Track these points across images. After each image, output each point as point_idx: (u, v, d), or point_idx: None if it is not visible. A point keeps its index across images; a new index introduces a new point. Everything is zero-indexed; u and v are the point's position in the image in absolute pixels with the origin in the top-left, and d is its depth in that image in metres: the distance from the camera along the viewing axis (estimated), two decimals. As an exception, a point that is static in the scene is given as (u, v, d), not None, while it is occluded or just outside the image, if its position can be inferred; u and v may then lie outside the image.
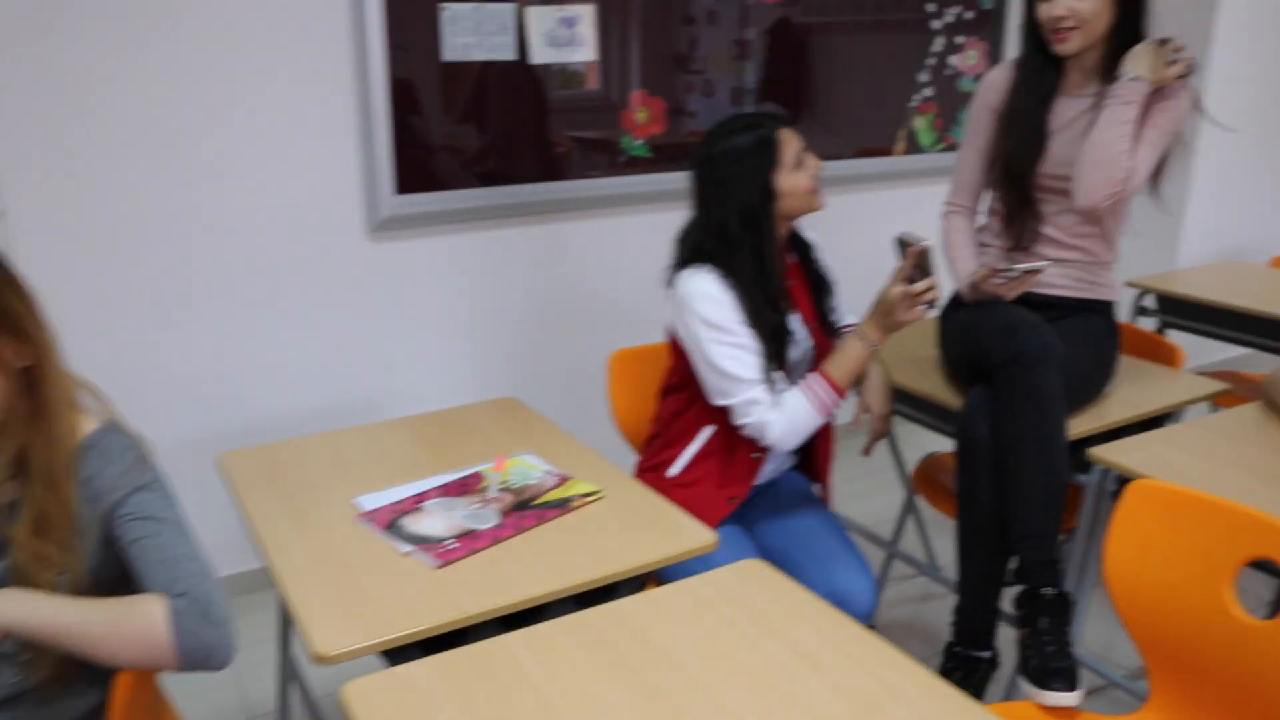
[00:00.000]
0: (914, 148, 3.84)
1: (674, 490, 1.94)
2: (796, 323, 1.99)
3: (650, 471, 2.06)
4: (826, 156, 3.65)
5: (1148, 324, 3.27)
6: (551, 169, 3.15)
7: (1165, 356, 2.38)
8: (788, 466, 2.16)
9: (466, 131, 2.97)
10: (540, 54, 3.02)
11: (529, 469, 1.76)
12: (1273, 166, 4.66)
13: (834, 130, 3.68)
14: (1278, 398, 2.03)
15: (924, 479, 2.54)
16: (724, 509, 1.95)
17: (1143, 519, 1.61)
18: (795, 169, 1.90)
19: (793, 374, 1.97)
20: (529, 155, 3.11)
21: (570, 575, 1.43)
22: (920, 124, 3.83)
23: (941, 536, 3.07)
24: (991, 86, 2.27)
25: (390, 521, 1.58)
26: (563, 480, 1.71)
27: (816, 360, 2.00)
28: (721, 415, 1.93)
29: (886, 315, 1.83)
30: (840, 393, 1.87)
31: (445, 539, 1.52)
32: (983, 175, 2.30)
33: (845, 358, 1.88)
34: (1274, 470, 1.77)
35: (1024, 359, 1.89)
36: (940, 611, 2.79)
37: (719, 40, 3.36)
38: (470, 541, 1.52)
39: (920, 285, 1.79)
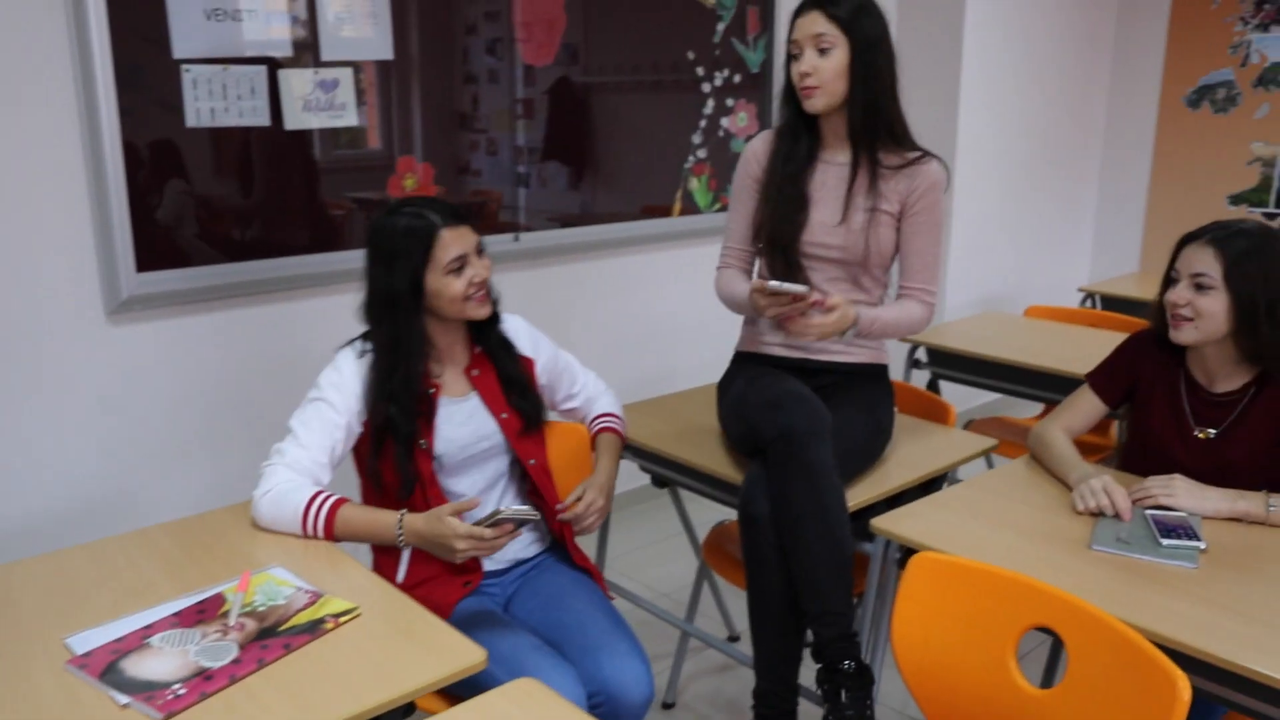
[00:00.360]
0: (691, 208, 3.86)
1: (412, 595, 1.78)
2: (471, 409, 1.94)
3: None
4: (612, 217, 3.64)
5: (921, 376, 3.37)
6: (323, 238, 2.96)
7: (938, 414, 2.43)
8: (547, 545, 2.06)
9: (221, 202, 2.75)
10: (296, 119, 2.83)
11: (278, 586, 1.57)
12: (1020, 221, 4.98)
13: (618, 190, 3.66)
14: (1041, 455, 2.09)
15: (714, 549, 2.48)
16: (460, 592, 1.83)
17: (926, 592, 1.58)
18: (450, 273, 1.84)
19: (472, 466, 1.94)
20: (296, 225, 2.91)
21: (318, 715, 1.26)
22: (696, 185, 3.86)
23: (740, 601, 3.03)
24: (753, 155, 2.27)
25: (107, 665, 1.36)
26: (315, 598, 1.53)
27: (510, 449, 1.97)
28: (421, 500, 1.84)
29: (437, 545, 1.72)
30: (329, 534, 1.75)
31: (172, 683, 1.32)
32: (751, 242, 2.30)
33: (370, 523, 1.76)
34: (1044, 529, 1.80)
35: (792, 434, 1.86)
36: (744, 680, 2.73)
37: (501, 99, 3.30)
38: (202, 684, 1.31)
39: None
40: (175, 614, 1.49)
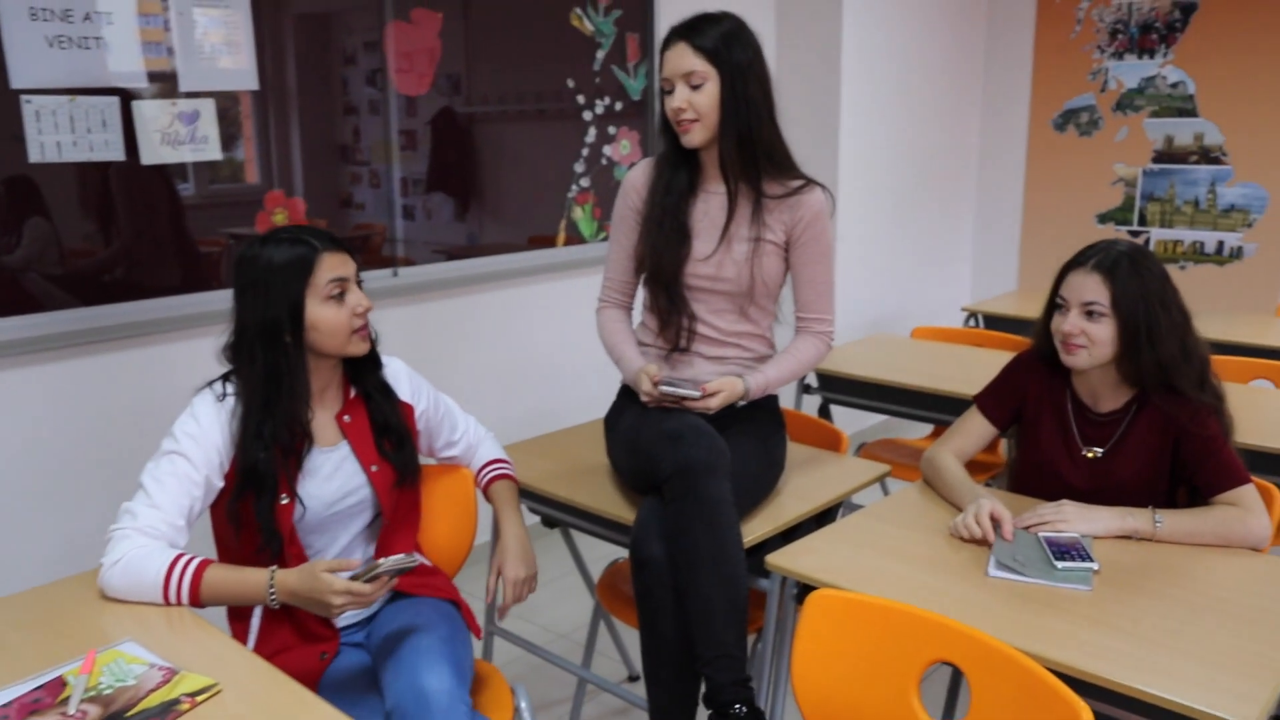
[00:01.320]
0: (576, 238, 3.80)
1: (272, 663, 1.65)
2: (339, 459, 1.81)
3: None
4: (499, 248, 3.56)
5: (812, 401, 3.36)
6: (196, 278, 2.81)
7: (830, 441, 2.40)
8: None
9: (74, 242, 2.57)
10: (154, 153, 2.67)
11: (128, 665, 1.42)
12: (904, 243, 5.06)
13: (504, 220, 3.58)
14: (934, 481, 2.07)
15: (608, 589, 2.40)
16: (318, 666, 1.71)
17: (824, 629, 1.53)
18: (330, 300, 1.72)
19: (336, 522, 1.81)
20: (162, 265, 2.75)
21: (171, 812, 1.13)
22: (580, 214, 3.80)
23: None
24: (632, 186, 2.22)
25: (-76, 769, 1.20)
26: (170, 675, 1.39)
27: (378, 504, 1.84)
28: (283, 557, 1.72)
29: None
30: (194, 600, 1.61)
31: (0, 785, 1.17)
32: (633, 274, 2.24)
33: (240, 584, 1.63)
34: (941, 557, 1.77)
35: (691, 469, 1.80)
36: (641, 723, 2.65)
37: (383, 130, 3.22)
38: (34, 784, 1.17)
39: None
40: (4, 705, 1.34)
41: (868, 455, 3.32)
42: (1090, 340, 1.89)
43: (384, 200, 3.26)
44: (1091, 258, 1.91)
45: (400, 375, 1.96)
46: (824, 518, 2.13)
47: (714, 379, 2.05)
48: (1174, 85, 4.98)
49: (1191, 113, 4.95)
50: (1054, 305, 1.97)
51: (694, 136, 2.05)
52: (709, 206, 2.13)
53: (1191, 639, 1.49)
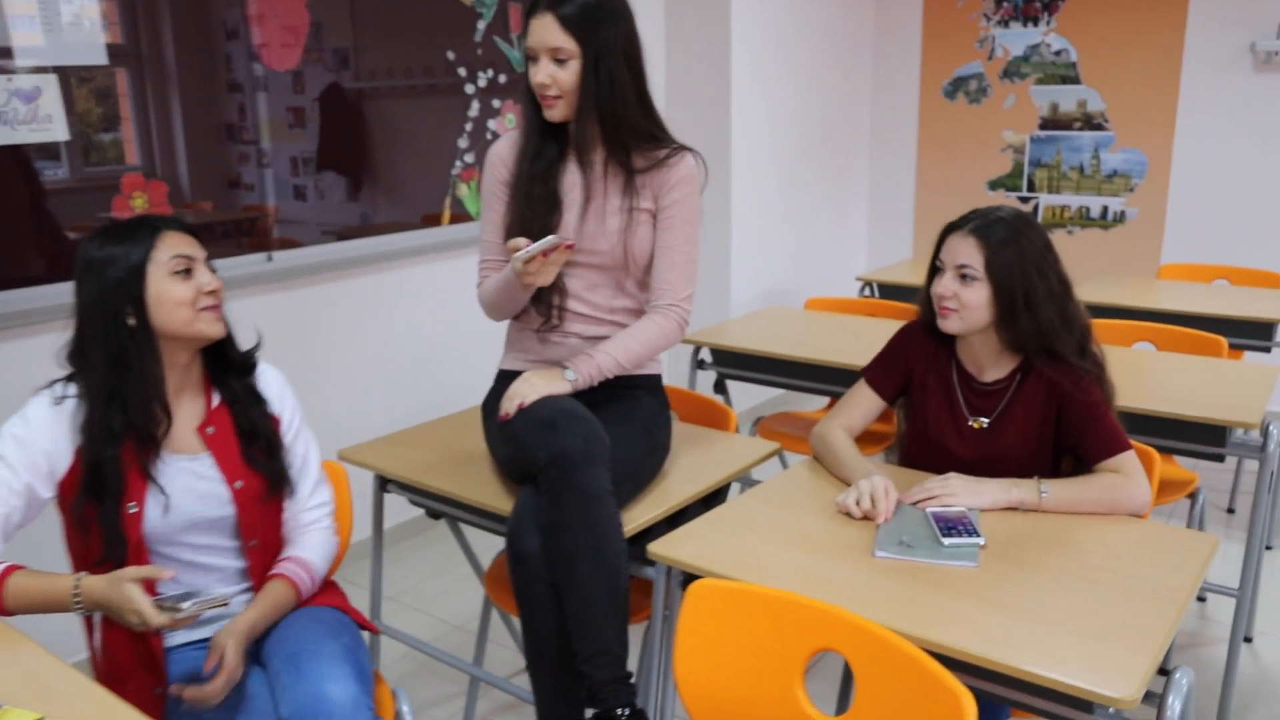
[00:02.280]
0: (462, 215, 3.67)
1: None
2: (200, 471, 1.67)
3: None
4: (393, 228, 3.42)
5: (706, 377, 3.31)
6: (63, 267, 2.63)
7: (719, 419, 2.34)
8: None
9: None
10: (-13, 134, 2.47)
11: (-59, 700, 1.29)
12: (799, 213, 5.04)
13: (396, 199, 3.45)
14: (823, 457, 2.03)
15: (498, 580, 2.30)
16: (156, 704, 1.58)
17: (706, 621, 1.47)
18: (174, 275, 1.60)
19: (192, 536, 1.66)
20: (21, 253, 2.56)
21: None
22: (465, 191, 3.67)
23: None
24: (498, 159, 2.11)
25: None
26: (-13, 711, 1.27)
27: (243, 521, 1.69)
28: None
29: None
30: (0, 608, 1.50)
31: None
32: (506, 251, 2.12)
33: (43, 590, 1.51)
34: (829, 538, 1.72)
35: (567, 458, 1.72)
36: (538, 716, 2.57)
37: (271, 108, 3.08)
38: None
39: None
40: None
41: (764, 430, 3.29)
42: (962, 304, 1.86)
43: (278, 180, 3.15)
44: (970, 221, 1.88)
45: (272, 384, 1.80)
46: (714, 499, 2.07)
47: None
48: (1057, 53, 5.04)
49: (1074, 80, 5.02)
50: (934, 270, 1.94)
51: (557, 112, 1.97)
52: (579, 177, 2.04)
53: (1075, 613, 1.47)
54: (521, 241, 1.85)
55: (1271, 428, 2.43)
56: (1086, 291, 3.83)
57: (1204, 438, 2.43)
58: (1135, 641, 1.39)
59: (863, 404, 2.08)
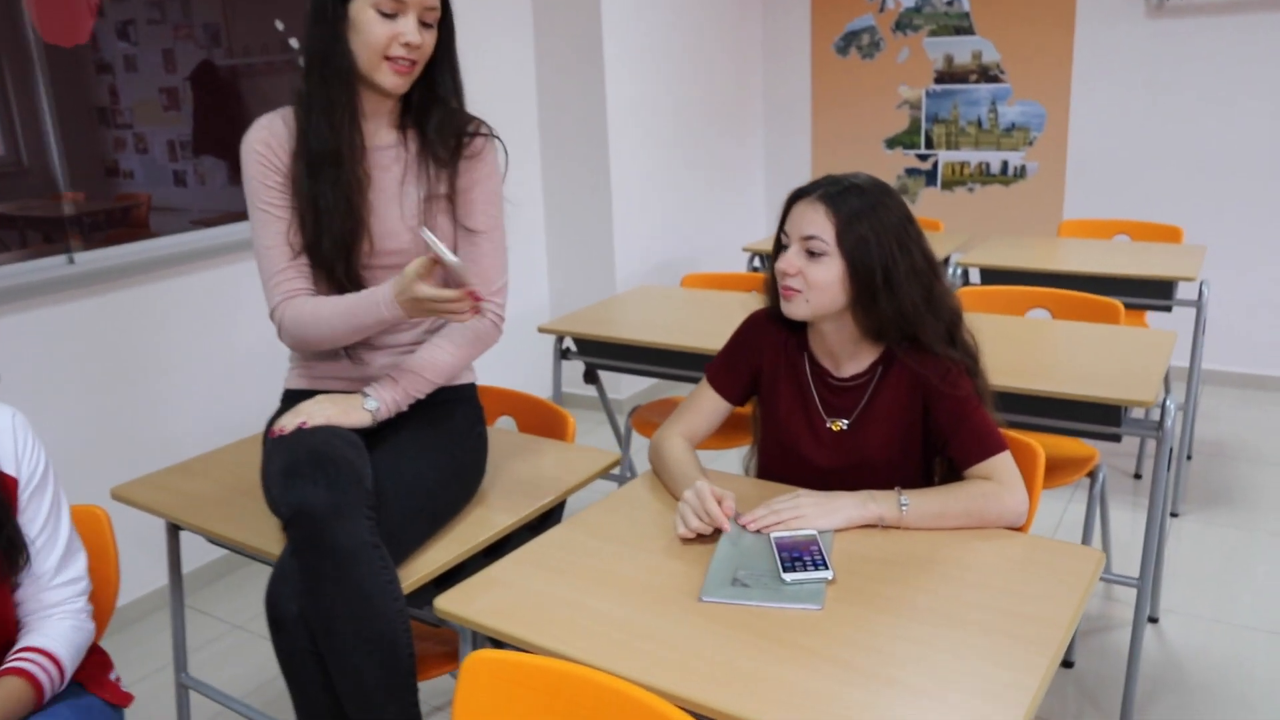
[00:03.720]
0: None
1: None
2: None
3: None
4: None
5: (573, 368, 3.02)
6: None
7: (557, 427, 2.05)
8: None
9: None
10: None
11: None
12: (687, 183, 4.75)
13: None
14: (659, 471, 1.76)
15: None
16: None
17: (484, 699, 1.19)
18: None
19: None
20: None
21: None
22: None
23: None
24: (270, 148, 1.72)
25: None
26: None
27: None
28: None
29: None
30: None
31: None
32: (299, 261, 1.74)
33: None
34: (654, 576, 1.45)
35: (307, 514, 1.41)
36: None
37: (144, 89, 2.85)
38: None
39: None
40: None
41: (640, 423, 3.02)
42: (809, 283, 1.59)
43: (156, 166, 2.93)
44: (819, 188, 1.61)
45: (5, 434, 1.44)
46: (547, 520, 1.79)
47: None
48: (949, 3, 4.80)
49: (968, 31, 4.80)
50: (779, 245, 1.67)
51: (405, 81, 1.67)
52: (376, 162, 1.73)
53: (934, 665, 1.21)
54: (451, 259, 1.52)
55: (1169, 404, 2.22)
56: (984, 254, 3.62)
57: (1099, 417, 2.21)
58: (1004, 694, 1.14)
59: (705, 407, 1.80)
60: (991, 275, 3.53)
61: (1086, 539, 2.57)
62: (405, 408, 1.70)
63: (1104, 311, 2.81)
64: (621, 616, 1.35)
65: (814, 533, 1.51)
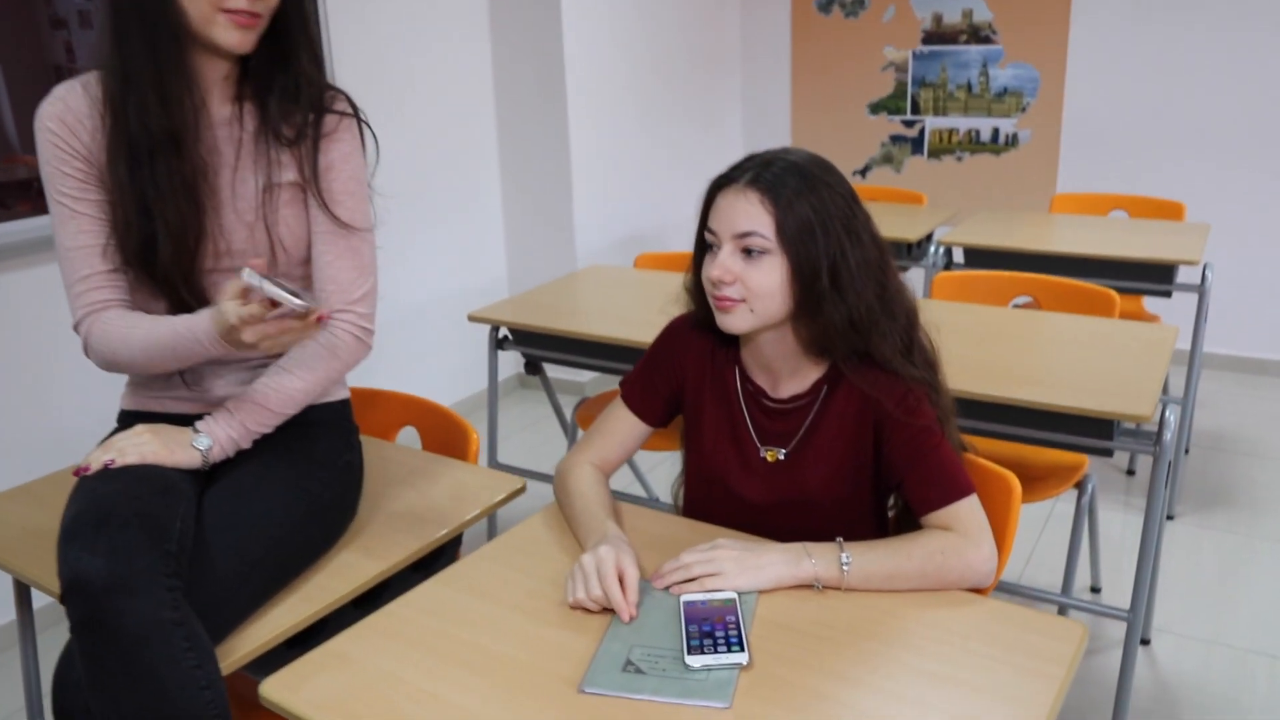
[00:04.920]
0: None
1: None
2: None
3: None
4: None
5: (511, 359, 2.74)
6: None
7: (458, 445, 1.77)
8: None
9: None
10: None
11: None
12: (658, 154, 4.43)
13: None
14: (563, 506, 1.48)
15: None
16: None
17: None
18: None
19: None
20: None
21: None
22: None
23: None
24: (67, 126, 1.39)
25: None
26: None
27: None
28: None
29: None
30: None
31: None
32: (107, 267, 1.42)
33: None
34: (536, 653, 1.17)
35: (81, 589, 1.12)
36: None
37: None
38: None
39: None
40: None
41: (584, 418, 2.74)
42: (750, 290, 1.31)
43: None
44: (747, 171, 1.32)
45: None
46: (439, 558, 1.52)
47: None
48: (939, -44, 4.47)
49: (959, -14, 4.47)
50: (703, 245, 1.38)
51: (247, 37, 1.36)
52: (210, 143, 1.43)
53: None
54: (260, 266, 1.22)
55: (1168, 414, 1.94)
56: (969, 231, 3.33)
57: (1089, 430, 1.94)
58: None
59: (619, 430, 1.52)
60: (976, 256, 3.24)
61: (1072, 558, 2.30)
62: (247, 445, 1.41)
63: (1097, 302, 2.53)
64: (480, 709, 1.07)
65: (733, 596, 1.23)
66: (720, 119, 4.93)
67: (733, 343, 1.44)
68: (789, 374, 1.41)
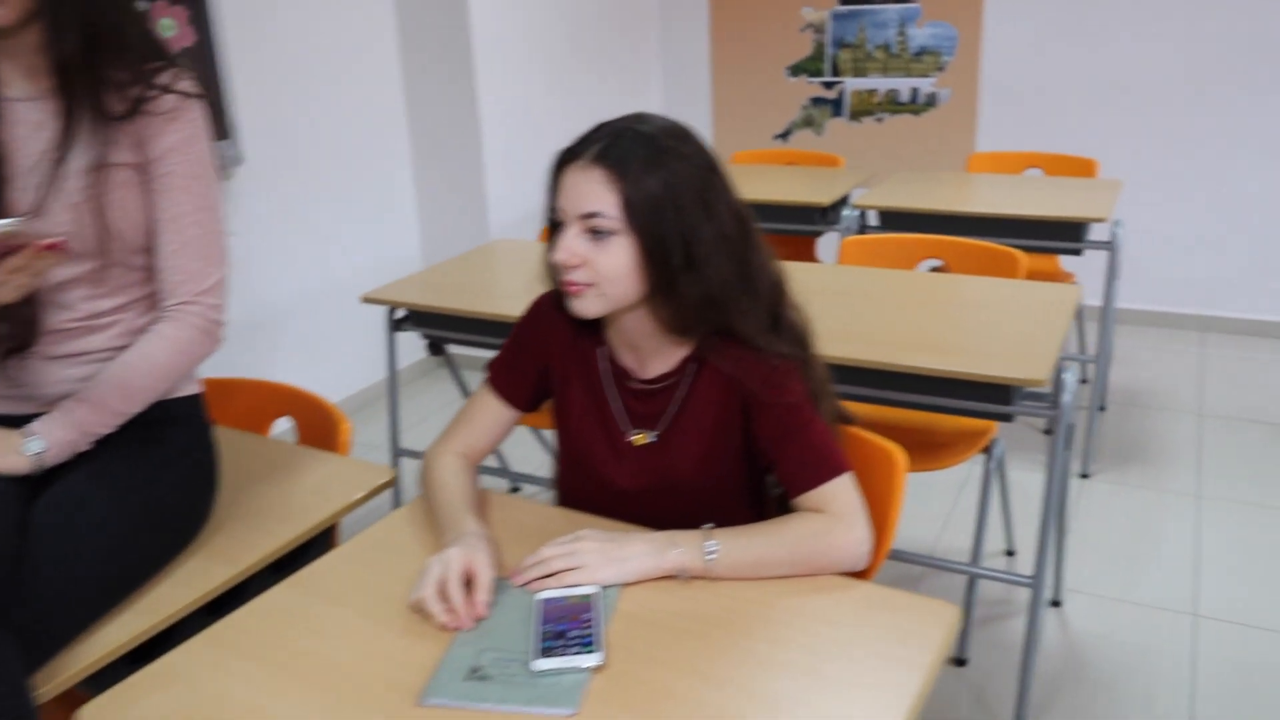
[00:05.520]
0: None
1: None
2: None
3: None
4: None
5: (414, 341, 2.65)
6: None
7: (332, 433, 1.68)
8: None
9: None
10: None
11: None
12: (572, 113, 4.33)
13: None
14: (428, 498, 1.40)
15: None
16: None
17: None
18: None
19: None
20: None
21: None
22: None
23: None
24: None
25: None
26: None
27: None
28: None
29: None
30: None
31: None
32: None
33: None
34: (371, 664, 1.10)
35: None
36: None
37: None
38: None
39: None
40: None
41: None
42: (598, 272, 1.24)
43: None
44: (594, 143, 1.24)
45: None
46: (308, 552, 1.44)
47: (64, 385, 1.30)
48: (853, -87, 4.40)
49: (873, -56, 4.41)
50: (555, 224, 1.30)
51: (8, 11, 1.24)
52: (17, 118, 1.32)
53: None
54: None
55: (1065, 377, 1.91)
56: (883, 194, 3.28)
57: (987, 396, 1.91)
58: None
59: (486, 415, 1.45)
60: (893, 219, 3.20)
61: (981, 525, 2.28)
62: (86, 447, 1.32)
63: (1002, 262, 2.49)
64: (315, 731, 1.00)
65: (594, 590, 1.17)
66: (639, 84, 4.83)
67: (597, 322, 1.37)
68: (654, 353, 1.34)
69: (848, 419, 1.41)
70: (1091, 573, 2.59)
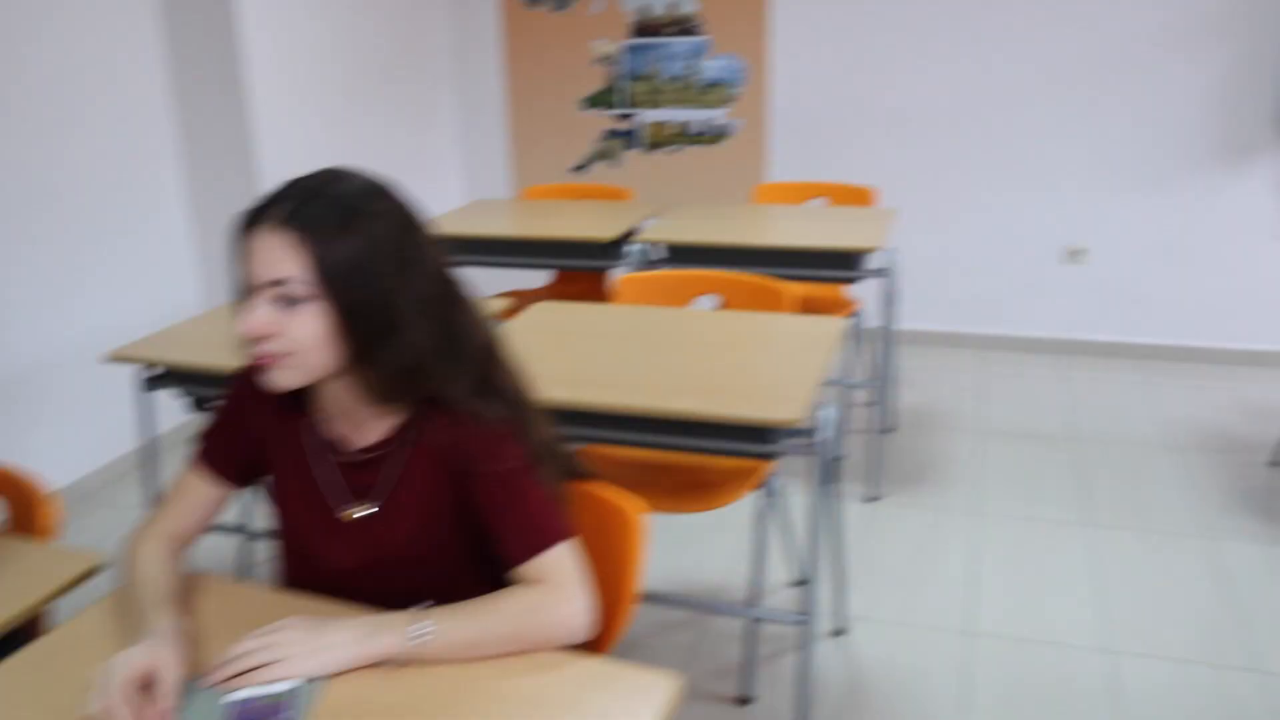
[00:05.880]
0: None
1: None
2: None
3: None
4: None
5: (172, 403, 2.47)
6: None
7: (38, 518, 1.53)
8: None
9: None
10: None
11: None
12: (359, 155, 4.20)
13: None
14: (128, 588, 1.28)
15: None
16: None
17: None
18: None
19: None
20: None
21: None
22: None
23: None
24: None
25: None
26: None
27: None
28: None
29: None
30: None
31: None
32: None
33: None
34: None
35: None
36: None
37: None
38: None
39: None
40: None
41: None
42: (293, 342, 1.15)
43: None
44: (282, 203, 1.16)
45: None
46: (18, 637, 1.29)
47: None
48: (639, -52, 4.45)
49: (660, -21, 4.46)
50: (242, 289, 1.21)
51: None
52: None
53: None
54: None
55: (821, 414, 1.94)
56: (667, 228, 3.29)
57: (750, 436, 1.91)
58: None
59: (195, 495, 1.34)
60: (680, 252, 3.21)
61: (759, 561, 2.29)
62: None
63: (771, 297, 2.53)
64: None
65: (295, 685, 1.08)
66: (430, 117, 4.74)
67: (301, 393, 1.28)
68: (365, 421, 1.26)
69: (581, 474, 1.37)
70: (876, 597, 2.65)
